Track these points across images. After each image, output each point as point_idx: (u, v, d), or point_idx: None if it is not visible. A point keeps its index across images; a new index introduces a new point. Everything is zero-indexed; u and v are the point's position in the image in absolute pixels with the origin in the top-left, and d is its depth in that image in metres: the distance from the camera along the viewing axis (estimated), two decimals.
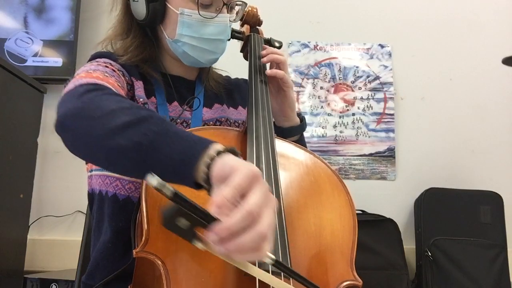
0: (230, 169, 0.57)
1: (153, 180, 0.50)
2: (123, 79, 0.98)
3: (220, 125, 1.11)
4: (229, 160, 0.60)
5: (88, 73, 0.89)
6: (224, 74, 1.27)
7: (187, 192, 0.58)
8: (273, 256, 0.57)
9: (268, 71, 1.07)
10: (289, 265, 0.70)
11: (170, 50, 1.08)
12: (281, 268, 0.61)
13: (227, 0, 1.03)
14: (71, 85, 0.82)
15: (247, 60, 1.16)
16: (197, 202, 0.53)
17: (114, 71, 0.97)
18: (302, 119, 1.15)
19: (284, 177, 0.87)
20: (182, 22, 1.02)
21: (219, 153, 0.61)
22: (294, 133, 1.12)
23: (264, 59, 1.09)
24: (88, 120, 0.71)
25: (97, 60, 1.00)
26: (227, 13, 1.05)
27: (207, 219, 0.52)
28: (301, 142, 1.14)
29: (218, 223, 0.52)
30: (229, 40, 1.19)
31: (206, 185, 0.62)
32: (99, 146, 0.70)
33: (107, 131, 0.68)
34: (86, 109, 0.72)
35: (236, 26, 1.23)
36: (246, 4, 1.12)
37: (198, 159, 0.62)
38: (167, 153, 0.64)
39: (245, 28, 1.21)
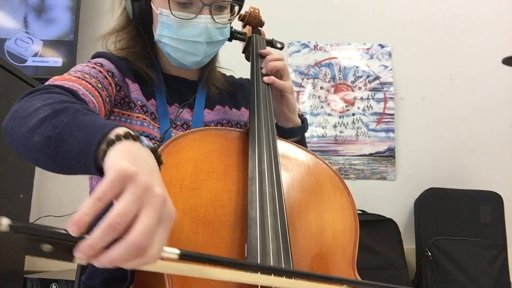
0: (106, 169, 0.54)
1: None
2: (111, 80, 0.98)
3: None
4: (113, 152, 0.56)
5: (68, 74, 0.90)
6: (228, 73, 1.26)
7: None
8: (176, 251, 0.51)
9: (265, 78, 1.06)
10: (291, 266, 0.70)
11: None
12: (190, 259, 0.53)
13: (209, 1, 0.99)
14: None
15: (249, 61, 1.16)
16: None
17: (101, 72, 0.96)
18: (304, 120, 1.15)
19: (286, 177, 0.87)
20: (161, 23, 1.01)
21: (111, 142, 0.57)
22: (295, 133, 1.12)
23: (263, 71, 1.08)
24: (17, 122, 0.70)
25: (91, 60, 1.01)
26: (211, 14, 1.01)
27: (70, 239, 0.47)
28: (302, 142, 1.14)
29: (82, 242, 0.47)
30: (230, 41, 1.19)
31: None
32: (24, 145, 0.69)
33: (27, 130, 0.67)
34: (18, 110, 0.72)
35: (238, 27, 1.23)
36: (240, 4, 1.10)
37: (94, 149, 0.58)
38: (70, 143, 0.62)
39: (247, 29, 1.21)
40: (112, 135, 0.58)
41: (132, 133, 0.59)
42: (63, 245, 0.47)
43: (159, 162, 0.61)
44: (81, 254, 0.47)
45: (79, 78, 0.89)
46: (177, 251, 0.51)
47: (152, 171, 0.56)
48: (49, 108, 0.68)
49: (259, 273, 0.57)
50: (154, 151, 0.60)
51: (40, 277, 1.79)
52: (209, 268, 0.55)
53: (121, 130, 0.59)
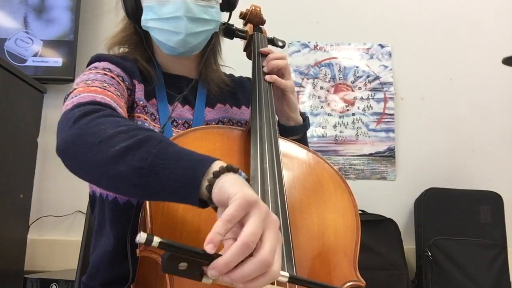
0: (227, 197, 0.58)
1: (140, 237, 0.51)
2: (123, 85, 0.97)
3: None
4: (227, 183, 0.60)
5: (87, 84, 0.89)
6: (228, 71, 1.26)
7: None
8: (287, 274, 0.59)
9: (267, 76, 1.06)
10: (293, 266, 0.70)
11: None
12: (297, 282, 0.62)
13: None
14: (69, 104, 0.82)
15: (250, 59, 1.16)
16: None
17: (113, 78, 0.96)
18: (306, 119, 1.14)
19: (288, 176, 0.87)
20: (146, 7, 1.03)
21: (217, 174, 0.62)
22: (297, 132, 1.12)
23: (265, 69, 1.08)
24: (86, 147, 0.70)
25: (96, 65, 0.99)
26: None
27: (204, 257, 0.54)
28: (303, 141, 1.13)
29: (217, 259, 0.53)
30: (232, 39, 1.19)
31: (211, 204, 0.62)
32: (100, 174, 0.70)
33: (106, 158, 0.68)
34: (83, 135, 0.72)
35: (240, 25, 1.23)
36: None
37: (199, 182, 0.62)
38: (168, 175, 0.64)
39: (248, 27, 1.21)
40: (216, 168, 0.63)
41: (233, 166, 0.64)
42: (198, 263, 0.54)
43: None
44: (215, 271, 0.53)
45: (102, 88, 0.89)
46: (287, 274, 0.59)
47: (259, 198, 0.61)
48: (126, 136, 0.69)
49: None
50: (247, 181, 0.65)
51: (40, 277, 1.79)
52: None
53: (222, 163, 0.64)
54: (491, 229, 2.20)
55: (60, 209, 2.27)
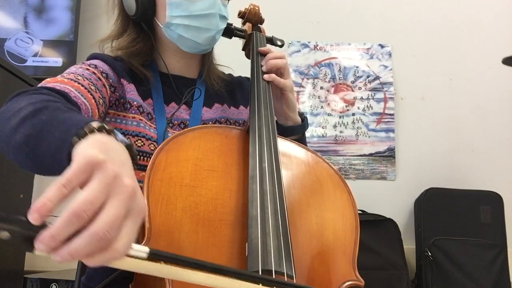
0: (74, 156, 0.51)
1: None
2: (105, 81, 0.97)
3: None
4: (83, 144, 0.53)
5: (61, 76, 0.90)
6: (227, 71, 1.26)
7: None
8: (145, 249, 0.49)
9: (266, 76, 1.06)
10: (292, 265, 0.69)
11: (167, 39, 1.07)
12: (162, 259, 0.50)
13: None
14: None
15: (249, 58, 1.16)
16: None
17: (95, 73, 0.96)
18: (304, 119, 1.14)
19: (287, 176, 0.87)
20: (170, 4, 1.02)
21: (83, 134, 0.56)
22: (296, 132, 1.12)
23: (264, 68, 1.08)
24: (1, 121, 0.70)
25: (84, 62, 1.01)
26: None
27: (32, 228, 0.44)
28: (302, 141, 1.13)
29: (43, 231, 0.44)
30: (230, 38, 1.19)
31: None
32: (7, 145, 0.68)
33: (9, 129, 0.67)
34: (4, 111, 0.72)
35: (238, 24, 1.23)
36: None
37: (68, 145, 0.57)
38: (48, 141, 0.61)
39: (247, 26, 1.21)
40: (85, 128, 0.57)
41: (107, 127, 0.58)
42: (23, 234, 0.44)
43: (134, 160, 0.58)
44: (41, 244, 0.43)
45: (71, 80, 0.88)
46: (147, 249, 0.48)
47: (124, 163, 0.53)
48: (31, 107, 0.67)
49: (235, 279, 0.54)
50: (129, 147, 0.58)
51: (40, 277, 1.79)
52: (182, 270, 0.52)
53: (95, 124, 0.58)
54: (491, 229, 2.20)
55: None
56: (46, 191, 0.45)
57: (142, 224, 0.77)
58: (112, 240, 0.45)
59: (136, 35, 1.10)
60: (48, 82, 0.86)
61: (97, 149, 0.50)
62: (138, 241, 0.80)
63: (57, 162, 0.59)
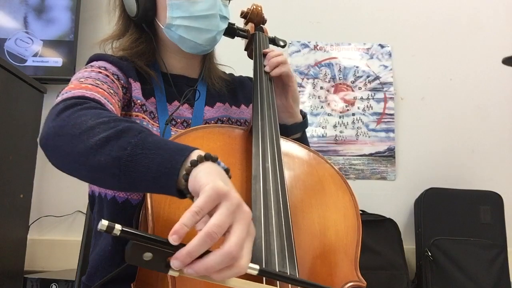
0: (199, 187, 0.58)
1: (101, 225, 0.50)
2: (118, 83, 0.97)
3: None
4: (201, 173, 0.60)
5: (79, 82, 0.89)
6: (228, 71, 1.26)
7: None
8: (256, 266, 0.57)
9: (273, 72, 1.07)
10: (296, 265, 0.69)
11: (168, 40, 1.07)
12: (267, 275, 0.61)
13: None
14: (58, 99, 0.83)
15: (251, 58, 1.16)
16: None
17: (108, 76, 0.96)
18: (305, 115, 1.15)
19: (289, 176, 0.87)
20: (171, 5, 1.02)
21: (195, 163, 0.61)
22: (298, 130, 1.12)
23: (267, 68, 1.08)
24: (67, 138, 0.71)
25: (92, 64, 1.00)
26: None
27: (169, 248, 0.53)
28: (304, 139, 1.14)
29: (180, 249, 0.53)
30: (233, 38, 1.19)
31: (188, 194, 0.62)
32: (81, 164, 0.70)
33: (86, 149, 0.68)
34: (64, 127, 0.72)
35: (241, 24, 1.23)
36: None
37: (177, 172, 0.62)
38: (146, 165, 0.64)
39: (250, 27, 1.21)
40: (194, 157, 0.62)
41: (212, 155, 0.64)
42: (163, 254, 0.53)
43: None
44: (178, 261, 0.52)
45: (94, 86, 0.89)
46: (257, 267, 0.57)
47: (235, 190, 0.60)
48: (106, 127, 0.69)
49: None
50: (227, 171, 0.65)
51: (40, 277, 1.79)
52: None
53: (201, 152, 0.64)
54: (491, 229, 2.20)
55: (60, 209, 2.27)
56: (182, 217, 0.54)
57: (145, 224, 0.77)
58: (239, 258, 0.54)
59: (138, 36, 1.10)
60: (72, 89, 0.85)
61: (220, 179, 0.59)
62: None
63: (157, 186, 0.64)
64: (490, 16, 2.59)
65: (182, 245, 0.53)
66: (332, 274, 0.80)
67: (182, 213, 0.72)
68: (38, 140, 0.76)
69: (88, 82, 0.89)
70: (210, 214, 0.55)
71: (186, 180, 0.61)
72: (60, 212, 2.26)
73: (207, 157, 0.62)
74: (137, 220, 0.85)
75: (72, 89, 0.85)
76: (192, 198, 0.61)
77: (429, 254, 2.12)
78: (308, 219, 0.83)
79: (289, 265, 0.68)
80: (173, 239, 0.52)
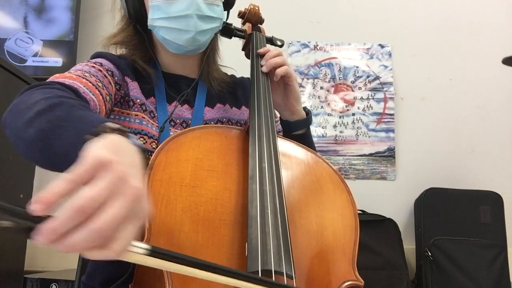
0: (84, 154, 0.50)
1: None
2: (110, 79, 0.98)
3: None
4: (98, 142, 0.53)
5: (69, 73, 0.90)
6: (230, 72, 1.27)
7: None
8: (145, 246, 0.49)
9: (279, 70, 1.06)
10: (292, 265, 0.69)
11: (159, 41, 1.08)
12: (160, 256, 0.51)
13: None
14: None
15: (249, 58, 1.16)
16: None
17: (101, 71, 0.97)
18: (308, 112, 1.14)
19: (286, 176, 0.87)
20: (152, 7, 1.02)
21: (96, 132, 0.56)
22: (301, 126, 1.12)
23: (264, 69, 1.07)
24: (15, 114, 0.71)
25: (90, 60, 1.02)
26: None
27: (31, 219, 0.45)
28: (308, 135, 1.13)
29: (46, 223, 0.44)
30: (230, 38, 1.19)
31: None
32: (19, 138, 0.68)
33: (22, 122, 0.67)
34: (17, 104, 0.72)
35: (238, 24, 1.23)
36: None
37: (81, 141, 0.56)
38: (63, 138, 0.61)
39: (247, 26, 1.21)
40: (99, 128, 0.57)
41: (122, 128, 0.58)
42: (23, 226, 0.44)
43: (145, 164, 0.59)
44: (42, 236, 0.44)
45: (79, 76, 0.89)
46: (147, 247, 0.49)
47: (134, 165, 0.53)
48: (46, 102, 0.68)
49: (233, 278, 0.55)
50: (143, 150, 0.58)
51: (40, 277, 1.79)
52: (181, 266, 0.53)
53: (110, 124, 0.58)
54: (491, 229, 2.20)
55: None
56: (51, 184, 0.45)
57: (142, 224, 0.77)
58: (111, 238, 0.46)
59: (133, 33, 1.12)
60: (56, 78, 0.86)
61: (108, 149, 0.51)
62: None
63: (69, 160, 0.57)
64: (490, 16, 2.59)
65: (47, 216, 0.45)
66: (329, 273, 0.80)
67: (178, 213, 0.73)
68: None
69: (76, 73, 0.91)
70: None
71: None
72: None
73: (114, 129, 0.57)
74: None
75: (56, 78, 0.86)
76: None
77: (429, 254, 2.12)
78: (305, 218, 0.82)
79: (286, 265, 0.68)
80: (35, 208, 0.44)
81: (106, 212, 0.45)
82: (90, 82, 0.90)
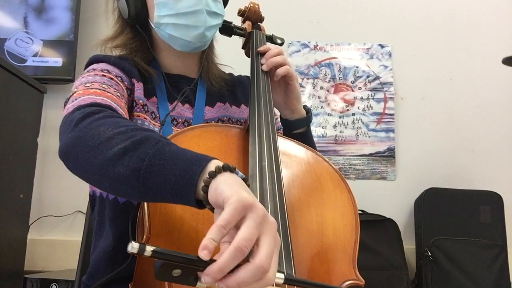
0: (222, 199, 0.57)
1: (132, 247, 0.49)
2: (122, 85, 0.98)
3: None
4: (222, 184, 0.59)
5: (86, 87, 0.89)
6: (228, 70, 1.26)
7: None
8: (282, 276, 0.57)
9: (276, 74, 1.06)
10: (292, 264, 0.69)
11: (161, 40, 1.07)
12: (293, 283, 0.61)
13: None
14: (70, 107, 0.83)
15: (249, 57, 1.16)
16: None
17: (112, 79, 0.96)
18: (309, 111, 1.14)
19: (287, 175, 0.87)
20: (158, 4, 1.02)
21: (213, 174, 0.60)
22: (301, 125, 1.12)
23: (264, 67, 1.08)
24: (86, 149, 0.71)
25: (94, 67, 1.00)
26: None
27: (198, 264, 0.52)
28: (308, 134, 1.13)
29: (210, 265, 0.52)
30: (230, 36, 1.19)
31: (208, 205, 0.61)
32: (101, 175, 0.70)
33: (105, 160, 0.68)
34: (83, 138, 0.72)
35: (238, 22, 1.23)
36: None
37: (195, 183, 0.61)
38: (164, 176, 0.63)
39: (247, 25, 1.21)
40: (212, 167, 0.62)
41: (230, 165, 0.62)
42: (192, 270, 0.52)
43: None
44: (209, 277, 0.51)
45: (102, 90, 0.89)
46: (283, 276, 0.57)
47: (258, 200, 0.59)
48: (124, 137, 0.69)
49: None
50: (245, 180, 0.63)
51: (40, 277, 1.78)
52: None
53: (219, 162, 0.63)
54: (491, 229, 2.20)
55: (60, 209, 2.27)
56: (208, 232, 0.53)
57: (141, 224, 0.77)
58: (268, 270, 0.53)
59: (133, 35, 1.11)
60: (81, 95, 0.86)
61: (244, 190, 0.58)
62: (137, 240, 0.80)
63: (176, 197, 0.64)
64: (490, 16, 2.59)
65: (211, 260, 0.52)
66: (330, 272, 0.80)
67: (178, 213, 0.73)
68: (58, 152, 0.76)
69: (95, 86, 0.90)
70: (236, 227, 0.55)
71: (206, 192, 0.60)
72: (60, 212, 2.26)
73: (225, 168, 0.62)
74: (133, 221, 0.86)
75: (80, 95, 0.85)
76: (212, 210, 0.61)
77: (429, 254, 2.12)
78: (305, 217, 0.82)
79: (286, 264, 0.68)
80: (203, 254, 0.51)
81: (263, 248, 0.54)
82: (113, 95, 0.90)
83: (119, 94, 0.93)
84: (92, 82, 0.92)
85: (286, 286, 0.67)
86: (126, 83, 1.00)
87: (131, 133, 0.70)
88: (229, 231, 0.54)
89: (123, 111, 0.89)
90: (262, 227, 0.55)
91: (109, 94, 0.89)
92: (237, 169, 0.64)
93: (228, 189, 0.57)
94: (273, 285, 0.58)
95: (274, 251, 0.55)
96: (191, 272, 0.53)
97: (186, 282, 0.53)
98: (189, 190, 0.62)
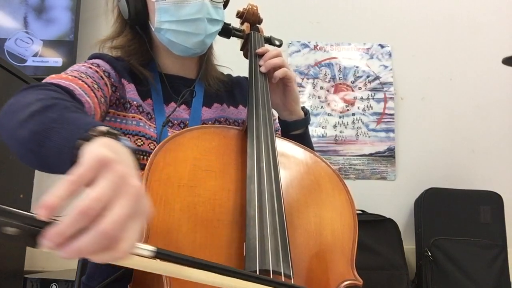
0: (83, 154, 0.50)
1: None
2: (107, 80, 0.98)
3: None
4: (94, 145, 0.53)
5: (65, 73, 0.90)
6: (226, 71, 1.27)
7: None
8: (151, 248, 0.49)
9: (274, 76, 1.06)
10: (290, 265, 0.69)
11: (161, 43, 1.08)
12: (167, 258, 0.52)
13: None
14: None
15: (247, 58, 1.16)
16: None
17: (97, 72, 0.97)
18: (307, 112, 1.14)
19: (285, 176, 0.87)
20: (159, 9, 1.02)
21: (89, 137, 0.56)
22: (299, 126, 1.12)
23: (262, 69, 1.07)
24: (9, 115, 0.70)
25: (87, 60, 1.02)
26: None
27: (37, 224, 0.44)
28: (306, 135, 1.13)
29: (51, 227, 0.44)
30: (228, 38, 1.19)
31: None
32: (11, 138, 0.68)
33: (15, 123, 0.67)
34: (11, 105, 0.72)
35: (236, 24, 1.23)
36: None
37: (73, 144, 0.57)
38: (55, 139, 0.60)
39: (245, 26, 1.21)
40: (91, 131, 0.57)
41: (112, 131, 0.58)
42: (29, 230, 0.44)
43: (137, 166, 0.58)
44: (48, 241, 0.44)
45: (75, 77, 0.89)
46: (153, 248, 0.49)
47: (131, 165, 0.53)
48: (39, 103, 0.67)
49: (239, 279, 0.55)
50: (134, 152, 0.58)
51: (40, 277, 1.79)
52: (188, 269, 0.52)
53: (103, 128, 0.58)
54: (491, 229, 2.20)
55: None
56: (54, 188, 0.45)
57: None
58: (118, 239, 0.45)
59: (132, 37, 1.11)
60: (52, 78, 0.86)
61: (106, 149, 0.51)
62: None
63: (61, 162, 0.59)
64: (490, 16, 2.59)
65: (53, 220, 0.44)
66: (328, 272, 0.80)
67: (177, 215, 0.73)
68: None
69: (73, 74, 0.90)
70: (90, 185, 0.47)
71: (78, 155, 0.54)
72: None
73: (108, 133, 0.57)
74: None
75: (51, 79, 0.86)
76: None
77: (429, 254, 2.12)
78: (303, 218, 0.82)
79: (284, 265, 0.68)
80: (41, 214, 0.44)
81: (112, 212, 0.45)
82: (86, 84, 0.90)
83: (95, 86, 0.93)
84: (74, 70, 0.93)
85: (283, 277, 0.67)
86: (112, 79, 1.00)
87: (47, 101, 0.68)
88: (78, 189, 0.46)
89: (90, 100, 0.88)
90: (119, 189, 0.47)
91: (80, 82, 0.89)
92: (122, 138, 0.59)
93: (93, 148, 0.52)
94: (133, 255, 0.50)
95: (133, 220, 0.47)
96: (31, 234, 0.45)
97: (27, 244, 0.45)
98: (68, 153, 0.57)
